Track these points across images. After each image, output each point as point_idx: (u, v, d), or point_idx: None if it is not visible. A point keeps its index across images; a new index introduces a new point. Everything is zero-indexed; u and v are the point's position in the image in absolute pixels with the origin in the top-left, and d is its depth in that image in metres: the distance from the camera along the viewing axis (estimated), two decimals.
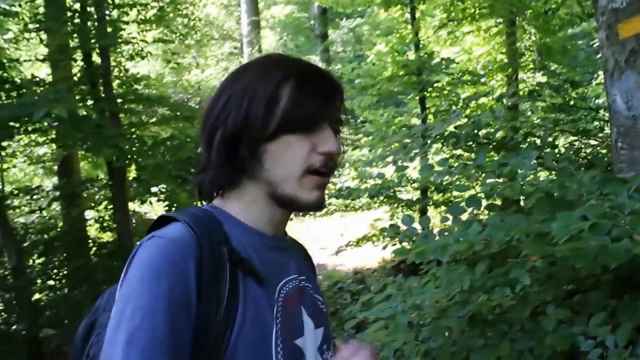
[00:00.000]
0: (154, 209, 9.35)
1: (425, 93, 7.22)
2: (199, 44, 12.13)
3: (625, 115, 2.49)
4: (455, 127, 4.01)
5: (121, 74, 8.24)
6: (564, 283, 2.65)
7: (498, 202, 4.13)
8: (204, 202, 1.12)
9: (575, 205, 2.15)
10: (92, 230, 8.38)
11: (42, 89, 6.78)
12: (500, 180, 3.08)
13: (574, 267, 2.08)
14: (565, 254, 1.67)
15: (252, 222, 1.07)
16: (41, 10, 7.78)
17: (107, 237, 8.30)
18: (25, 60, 8.15)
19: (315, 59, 16.79)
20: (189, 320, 0.91)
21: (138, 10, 8.07)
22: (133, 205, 8.52)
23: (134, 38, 7.98)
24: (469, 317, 2.59)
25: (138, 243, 0.99)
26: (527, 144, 4.09)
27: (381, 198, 6.32)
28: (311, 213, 11.45)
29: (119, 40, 7.54)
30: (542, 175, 3.65)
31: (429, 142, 3.96)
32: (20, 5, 7.59)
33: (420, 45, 7.49)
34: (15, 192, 7.67)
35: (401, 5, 7.56)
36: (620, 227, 1.74)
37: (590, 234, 1.70)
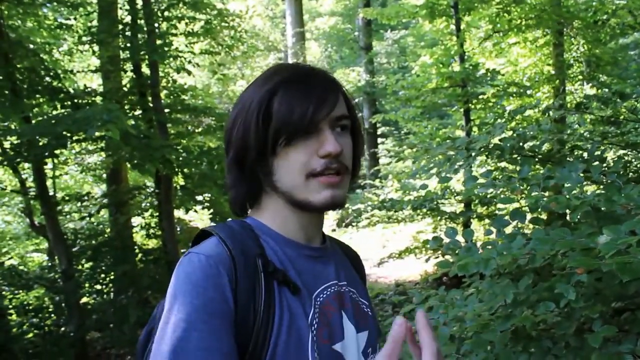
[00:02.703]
0: (199, 216, 9.51)
1: (470, 105, 7.16)
2: (244, 56, 12.28)
3: None
4: (499, 140, 3.96)
5: (169, 85, 8.44)
6: (611, 300, 2.58)
7: (543, 215, 4.05)
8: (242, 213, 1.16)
9: (623, 219, 2.10)
10: (138, 237, 8.57)
11: (94, 99, 7.01)
12: (546, 193, 3.04)
13: (622, 283, 2.04)
14: (613, 267, 1.64)
15: (284, 231, 1.09)
16: (94, 23, 8.04)
17: (153, 243, 8.48)
18: (78, 71, 8.44)
19: (360, 71, 16.83)
20: (230, 331, 0.94)
21: (186, 23, 8.26)
22: (178, 213, 8.68)
23: (181, 51, 8.17)
24: (511, 332, 2.55)
25: (180, 259, 1.03)
26: (573, 157, 4.01)
27: (424, 210, 6.28)
28: (353, 222, 11.45)
29: (168, 53, 7.73)
30: (589, 189, 3.57)
31: (473, 154, 3.92)
32: (75, 19, 7.88)
33: (465, 57, 7.44)
34: (67, 198, 7.92)
35: (446, 17, 7.53)
36: None
37: (638, 249, 1.67)
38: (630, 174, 3.85)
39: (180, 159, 7.01)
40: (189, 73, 8.26)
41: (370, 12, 9.42)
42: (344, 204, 1.09)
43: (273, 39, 18.52)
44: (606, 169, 3.36)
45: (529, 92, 7.94)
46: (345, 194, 1.10)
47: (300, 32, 16.77)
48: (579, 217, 2.34)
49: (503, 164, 4.09)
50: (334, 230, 13.08)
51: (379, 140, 16.29)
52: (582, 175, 2.74)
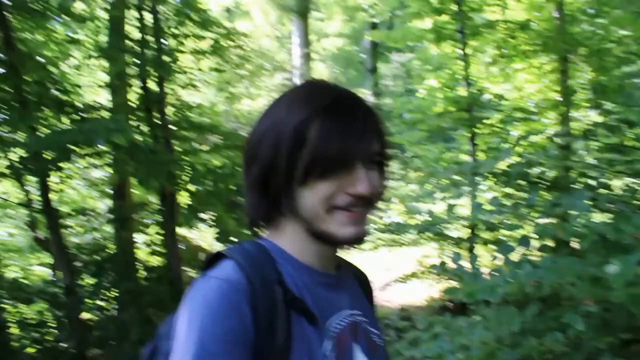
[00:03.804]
0: (203, 235, 9.49)
1: (476, 130, 7.17)
2: (251, 75, 12.37)
3: None
4: (507, 166, 3.96)
5: (176, 102, 8.49)
6: (619, 330, 2.56)
7: (550, 243, 4.04)
8: (260, 232, 1.12)
9: (632, 249, 2.09)
10: (142, 254, 8.55)
11: (100, 113, 7.05)
12: (553, 220, 3.04)
13: (631, 314, 2.02)
14: (622, 299, 1.63)
15: (301, 257, 1.06)
16: (103, 38, 8.12)
17: (156, 261, 8.45)
18: (86, 86, 8.49)
19: (366, 92, 16.91)
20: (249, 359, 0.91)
21: (194, 41, 8.33)
22: (182, 231, 8.66)
23: (189, 68, 8.23)
24: None
25: (193, 282, 0.99)
26: (580, 185, 4.01)
27: (429, 234, 6.25)
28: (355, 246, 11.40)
29: (175, 69, 7.79)
30: (596, 217, 3.57)
31: (478, 179, 3.93)
32: (85, 34, 7.96)
33: (471, 82, 7.47)
34: (71, 213, 7.92)
35: (452, 41, 7.58)
36: None
37: None
38: (638, 202, 3.84)
39: (187, 175, 7.02)
40: (195, 87, 8.32)
41: (377, 35, 9.53)
42: (365, 239, 1.07)
43: (280, 59, 18.64)
44: (613, 197, 3.36)
45: (534, 118, 7.96)
46: (367, 228, 1.07)
47: (306, 53, 16.89)
48: (587, 245, 2.33)
49: (509, 190, 4.08)
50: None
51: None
52: (589, 202, 2.73)
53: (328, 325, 1.04)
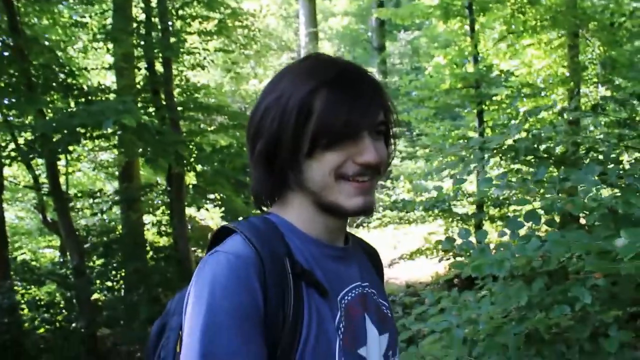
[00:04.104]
0: (210, 215, 9.53)
1: (484, 106, 7.11)
2: (258, 55, 12.31)
3: None
4: (514, 141, 3.93)
5: (182, 83, 8.47)
6: (627, 304, 2.55)
7: (557, 218, 4.02)
8: (264, 209, 1.12)
9: None
10: (150, 235, 8.60)
11: (107, 96, 7.06)
12: (560, 195, 3.00)
13: (638, 287, 2.01)
14: (631, 271, 1.61)
15: (309, 230, 1.06)
16: (109, 21, 8.10)
17: (164, 241, 8.51)
18: (92, 69, 8.49)
19: (373, 71, 16.82)
20: (260, 336, 0.91)
21: (200, 22, 8.29)
22: (189, 211, 8.70)
23: (195, 48, 8.20)
24: (525, 335, 2.52)
25: (202, 258, 0.99)
26: (589, 160, 3.97)
27: (436, 211, 6.24)
28: (364, 222, 11.43)
29: (182, 50, 7.76)
30: (605, 192, 3.53)
31: (486, 155, 3.89)
32: (90, 17, 7.93)
33: (479, 58, 7.40)
34: (79, 195, 7.97)
35: (460, 18, 7.49)
36: None
37: None
38: None
39: (193, 155, 7.02)
40: (203, 68, 8.29)
41: (384, 13, 9.40)
42: (374, 209, 1.06)
43: (286, 38, 18.54)
44: (623, 172, 3.32)
45: (543, 94, 7.89)
46: (374, 198, 1.07)
47: (313, 32, 16.79)
48: (595, 219, 2.30)
49: (516, 166, 4.05)
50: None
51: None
52: (598, 177, 2.70)
53: (338, 297, 1.03)
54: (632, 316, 2.66)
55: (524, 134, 4.18)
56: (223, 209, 8.11)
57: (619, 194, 2.79)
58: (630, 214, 2.26)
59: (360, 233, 11.80)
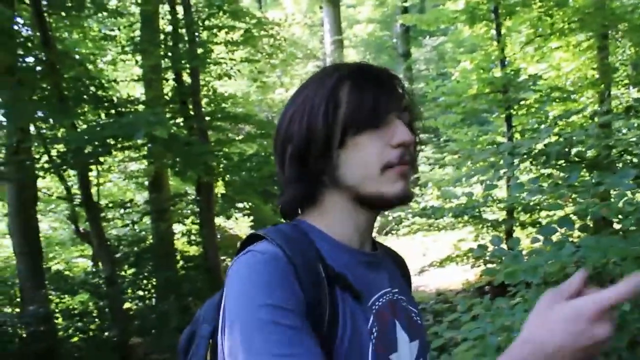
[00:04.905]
0: (239, 224, 9.59)
1: (512, 111, 7.03)
2: (284, 64, 12.38)
3: None
4: (544, 145, 3.87)
5: (210, 93, 8.55)
6: None
7: (590, 223, 3.94)
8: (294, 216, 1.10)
9: None
10: (179, 244, 8.68)
11: (136, 107, 7.17)
12: (595, 200, 2.96)
13: None
14: None
15: (338, 235, 1.05)
16: (137, 33, 8.23)
17: (193, 251, 8.57)
18: (121, 81, 8.63)
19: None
20: (310, 330, 0.89)
21: (226, 32, 8.37)
22: (219, 220, 8.76)
23: (222, 58, 8.29)
24: None
25: (235, 259, 0.97)
26: (622, 163, 3.90)
27: (465, 218, 6.17)
28: (393, 230, 11.37)
29: (208, 60, 7.85)
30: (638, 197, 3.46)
31: (516, 160, 3.85)
32: (118, 29, 8.08)
33: (506, 62, 7.32)
34: (110, 205, 8.08)
35: (486, 22, 7.43)
36: None
37: None
38: None
39: (222, 165, 7.09)
40: (230, 77, 8.37)
41: (409, 19, 9.39)
42: (412, 197, 1.06)
43: (312, 46, 18.62)
44: None
45: (572, 97, 7.77)
46: (412, 188, 1.07)
47: (338, 40, 16.82)
48: (631, 224, 2.26)
49: (547, 171, 3.99)
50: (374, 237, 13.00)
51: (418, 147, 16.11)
52: (632, 181, 2.65)
53: (369, 303, 1.02)
54: None
55: (554, 138, 4.12)
56: (252, 218, 8.14)
57: None
58: None
59: (390, 240, 11.75)
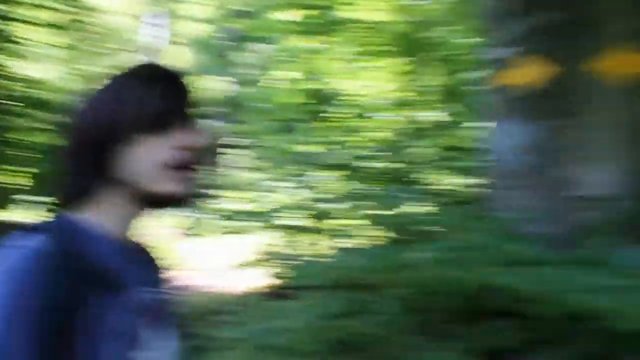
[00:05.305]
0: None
1: (322, 123, 7.30)
2: (97, 51, 11.82)
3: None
4: (353, 158, 4.06)
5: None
6: (429, 312, 2.67)
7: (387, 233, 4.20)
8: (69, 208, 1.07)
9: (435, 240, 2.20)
10: None
11: None
12: (388, 212, 3.12)
13: (446, 296, 2.10)
14: (432, 282, 1.70)
15: (108, 228, 1.04)
16: None
17: None
18: None
19: (222, 80, 16.78)
20: (48, 334, 0.88)
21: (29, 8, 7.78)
22: None
23: (24, 38, 7.71)
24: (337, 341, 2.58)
25: None
26: (410, 179, 4.20)
27: (270, 222, 6.28)
28: (197, 233, 11.22)
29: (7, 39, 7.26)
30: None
31: (317, 170, 4.00)
32: None
33: (324, 76, 7.59)
34: None
35: (315, 35, 7.66)
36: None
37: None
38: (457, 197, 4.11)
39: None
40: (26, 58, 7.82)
41: (240, 24, 9.40)
42: (191, 198, 1.08)
43: (130, 37, 17.91)
44: (438, 192, 3.55)
45: (381, 115, 8.25)
46: (195, 189, 1.09)
47: (162, 35, 16.38)
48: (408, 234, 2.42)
49: (345, 181, 4.20)
50: (175, 238, 12.72)
51: (229, 151, 16.17)
52: (416, 195, 2.85)
53: (132, 297, 1.03)
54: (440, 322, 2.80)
55: (356, 152, 4.35)
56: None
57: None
58: (438, 229, 2.40)
59: (187, 242, 11.49)
